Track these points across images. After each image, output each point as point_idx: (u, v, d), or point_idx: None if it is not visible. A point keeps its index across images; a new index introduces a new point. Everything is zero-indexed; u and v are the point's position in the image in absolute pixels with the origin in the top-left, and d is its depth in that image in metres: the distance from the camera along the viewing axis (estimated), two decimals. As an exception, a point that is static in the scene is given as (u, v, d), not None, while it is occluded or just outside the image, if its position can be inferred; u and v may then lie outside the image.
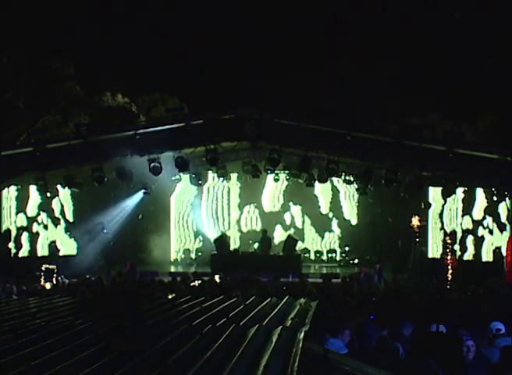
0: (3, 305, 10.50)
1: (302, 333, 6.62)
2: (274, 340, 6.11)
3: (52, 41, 28.78)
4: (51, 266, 17.73)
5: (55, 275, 17.51)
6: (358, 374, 5.54)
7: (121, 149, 19.04)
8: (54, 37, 28.78)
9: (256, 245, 23.15)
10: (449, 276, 19.29)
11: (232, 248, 23.61)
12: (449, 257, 20.05)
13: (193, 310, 10.49)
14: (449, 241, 20.31)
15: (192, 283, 16.19)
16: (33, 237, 21.08)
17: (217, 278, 18.19)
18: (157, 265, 23.09)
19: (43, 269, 17.55)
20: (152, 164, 19.09)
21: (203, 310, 10.45)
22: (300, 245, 23.79)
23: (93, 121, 27.13)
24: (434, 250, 21.39)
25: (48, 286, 16.85)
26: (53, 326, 8.14)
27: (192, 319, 8.92)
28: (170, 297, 13.93)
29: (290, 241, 22.94)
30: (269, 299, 11.64)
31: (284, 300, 11.34)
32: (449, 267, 19.64)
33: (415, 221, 20.66)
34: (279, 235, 24.66)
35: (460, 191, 20.27)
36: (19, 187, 20.38)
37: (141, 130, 19.61)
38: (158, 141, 19.26)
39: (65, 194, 21.79)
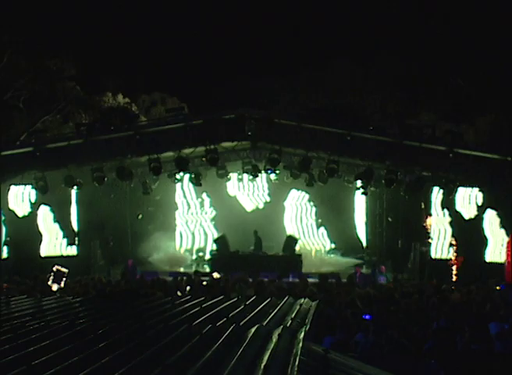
0: (3, 305, 10.49)
1: (302, 333, 6.61)
2: (274, 340, 6.10)
3: (52, 41, 28.77)
4: (63, 269, 17.57)
5: (64, 278, 17.33)
6: (358, 374, 5.54)
7: (121, 149, 19.02)
8: (54, 37, 28.79)
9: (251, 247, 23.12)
10: (454, 277, 19.27)
11: (232, 248, 23.58)
12: (452, 257, 20.02)
13: (194, 310, 10.48)
14: (453, 242, 20.28)
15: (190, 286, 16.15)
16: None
17: (216, 275, 18.18)
18: (157, 265, 23.05)
19: (54, 269, 17.43)
20: (152, 164, 19.06)
21: (203, 310, 10.45)
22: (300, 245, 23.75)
23: (93, 121, 27.07)
24: (436, 250, 21.32)
25: (54, 287, 16.75)
26: (53, 326, 8.13)
27: (192, 319, 8.92)
28: (179, 294, 13.95)
29: (290, 241, 22.92)
30: (269, 299, 11.64)
31: (284, 300, 11.34)
32: (453, 268, 19.61)
33: (429, 221, 20.61)
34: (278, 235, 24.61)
35: (460, 190, 20.23)
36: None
37: (141, 130, 19.59)
38: (158, 140, 19.23)
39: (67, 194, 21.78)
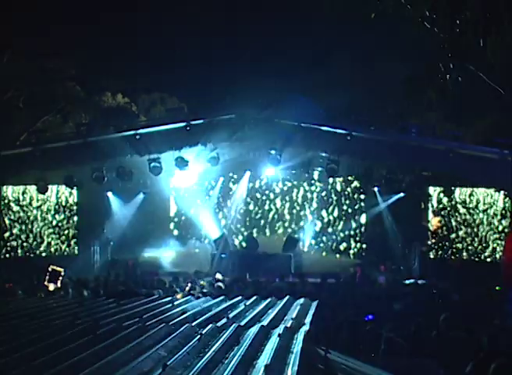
0: (3, 305, 10.50)
1: (302, 334, 6.63)
2: (274, 340, 6.12)
3: (52, 41, 28.74)
4: (58, 268, 17.59)
5: (60, 278, 17.37)
6: (358, 374, 5.54)
7: (121, 149, 19.04)
8: (54, 37, 28.75)
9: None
10: (454, 277, 19.29)
11: (231, 248, 23.62)
12: (452, 257, 20.08)
13: (194, 310, 10.50)
14: (452, 242, 20.33)
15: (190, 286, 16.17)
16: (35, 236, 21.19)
17: (218, 275, 18.20)
18: (156, 264, 23.04)
19: (49, 269, 17.45)
20: (152, 164, 19.08)
21: (203, 310, 10.46)
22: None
23: (93, 121, 27.07)
24: (435, 250, 21.37)
25: (51, 287, 16.80)
26: (53, 326, 8.14)
27: (192, 319, 8.93)
28: (179, 297, 13.97)
29: (290, 241, 22.92)
30: (269, 299, 11.66)
31: (284, 300, 11.35)
32: (452, 268, 19.66)
33: (435, 222, 20.62)
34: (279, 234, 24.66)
35: (460, 190, 20.28)
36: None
37: (141, 130, 19.59)
38: (158, 141, 19.25)
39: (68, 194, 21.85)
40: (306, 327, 7.57)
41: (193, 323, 8.30)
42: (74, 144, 19.32)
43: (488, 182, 18.51)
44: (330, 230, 24.79)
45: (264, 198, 25.10)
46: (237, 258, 22.24)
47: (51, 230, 21.73)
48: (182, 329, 7.27)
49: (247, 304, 11.06)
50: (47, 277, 17.29)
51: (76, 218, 22.26)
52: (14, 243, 20.99)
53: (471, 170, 18.25)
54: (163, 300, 12.55)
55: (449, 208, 21.10)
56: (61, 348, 6.25)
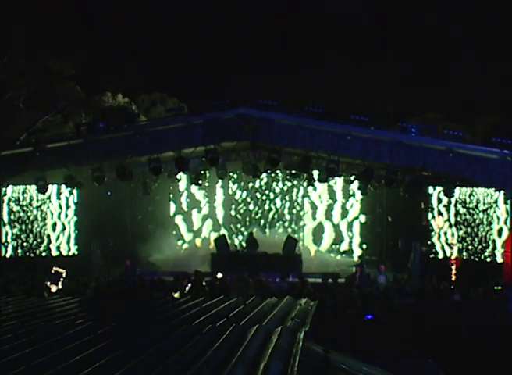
0: (3, 305, 10.49)
1: (302, 333, 6.62)
2: (274, 340, 6.11)
3: (52, 41, 28.77)
4: (60, 270, 17.63)
5: (62, 279, 17.42)
6: (358, 374, 5.54)
7: (121, 149, 19.04)
8: (54, 37, 28.78)
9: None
10: (453, 277, 19.33)
11: (232, 248, 23.61)
12: (452, 257, 20.09)
13: (194, 310, 10.49)
14: (453, 242, 20.34)
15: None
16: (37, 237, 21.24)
17: (219, 276, 18.21)
18: (156, 264, 23.07)
19: (52, 271, 17.50)
20: (152, 164, 19.08)
21: (203, 310, 10.45)
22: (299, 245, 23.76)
23: (93, 121, 27.06)
24: (436, 250, 21.38)
25: (53, 288, 16.83)
26: (53, 326, 8.14)
27: (192, 319, 8.92)
28: (176, 296, 13.97)
29: (290, 241, 22.91)
30: (269, 299, 11.65)
31: (284, 300, 11.35)
32: (453, 267, 19.68)
33: (438, 222, 20.63)
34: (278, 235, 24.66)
35: (460, 190, 20.30)
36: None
37: (141, 130, 19.60)
38: (158, 140, 19.25)
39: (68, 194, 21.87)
40: (306, 327, 7.56)
41: (193, 323, 8.30)
42: (74, 144, 19.33)
43: (488, 182, 18.51)
44: (330, 230, 24.79)
45: (264, 198, 25.11)
46: (237, 258, 22.26)
47: (51, 230, 21.74)
48: (182, 329, 7.27)
49: (247, 304, 11.05)
50: (49, 279, 17.33)
51: (76, 218, 22.24)
52: (14, 243, 21.01)
53: (471, 170, 18.27)
54: (163, 300, 12.55)
55: (449, 208, 21.12)
56: (61, 348, 6.24)
